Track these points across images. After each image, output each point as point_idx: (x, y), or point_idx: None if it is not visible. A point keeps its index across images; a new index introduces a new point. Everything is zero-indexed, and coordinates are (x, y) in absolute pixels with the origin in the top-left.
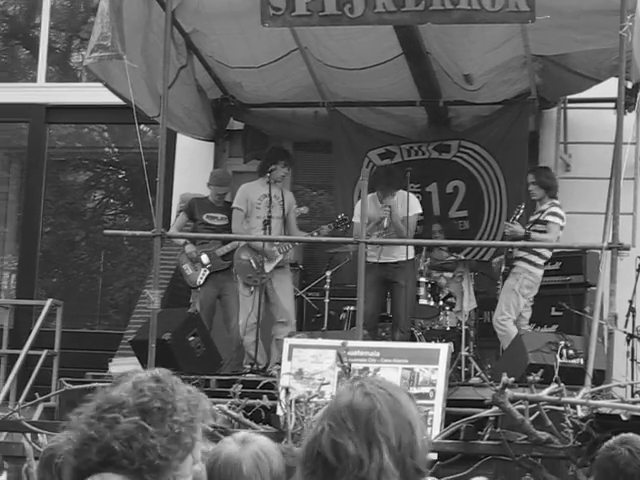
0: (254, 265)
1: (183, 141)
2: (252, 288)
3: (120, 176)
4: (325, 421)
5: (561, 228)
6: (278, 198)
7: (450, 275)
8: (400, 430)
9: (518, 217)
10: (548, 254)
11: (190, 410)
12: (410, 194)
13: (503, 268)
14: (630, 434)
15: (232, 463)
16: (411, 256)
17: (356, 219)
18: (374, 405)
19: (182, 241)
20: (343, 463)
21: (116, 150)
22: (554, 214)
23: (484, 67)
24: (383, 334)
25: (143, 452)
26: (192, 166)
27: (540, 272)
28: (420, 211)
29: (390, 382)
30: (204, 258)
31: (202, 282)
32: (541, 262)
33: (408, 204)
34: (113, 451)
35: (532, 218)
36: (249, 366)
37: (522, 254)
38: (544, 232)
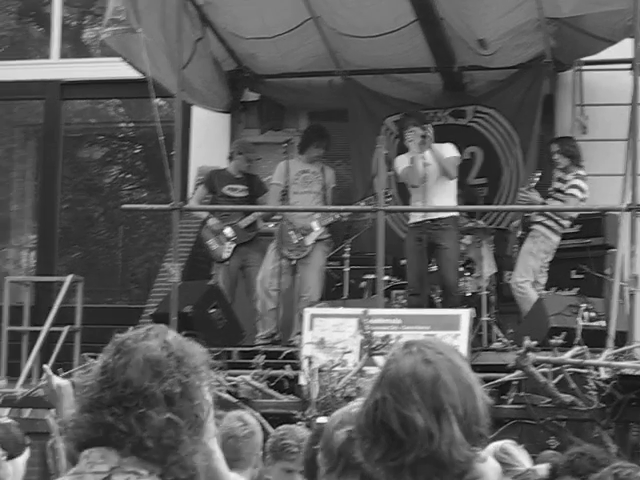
0: (296, 240)
1: (198, 113)
2: (294, 261)
3: (136, 151)
4: (386, 389)
5: (581, 200)
6: (317, 174)
7: (469, 241)
8: (464, 397)
9: (534, 185)
10: (566, 223)
11: (202, 384)
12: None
13: (519, 233)
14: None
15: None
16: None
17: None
18: (438, 374)
19: (203, 215)
20: (412, 437)
21: (131, 125)
22: (575, 187)
23: (498, 31)
24: (404, 301)
25: (175, 447)
26: (208, 138)
27: (557, 239)
28: (459, 155)
29: (443, 343)
30: (228, 231)
31: (229, 256)
32: (558, 229)
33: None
34: (145, 447)
35: (555, 186)
36: (262, 333)
37: (540, 218)
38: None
